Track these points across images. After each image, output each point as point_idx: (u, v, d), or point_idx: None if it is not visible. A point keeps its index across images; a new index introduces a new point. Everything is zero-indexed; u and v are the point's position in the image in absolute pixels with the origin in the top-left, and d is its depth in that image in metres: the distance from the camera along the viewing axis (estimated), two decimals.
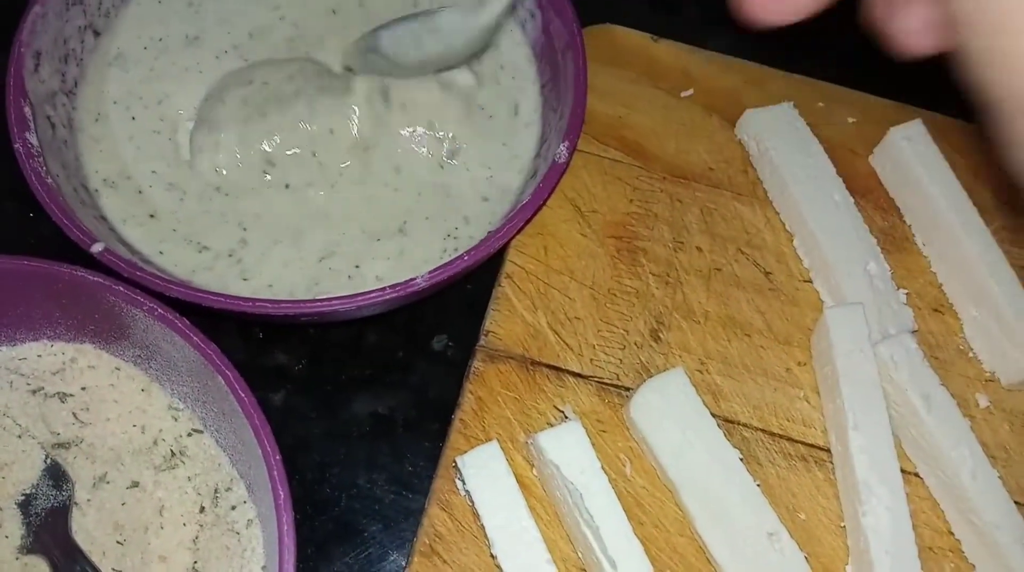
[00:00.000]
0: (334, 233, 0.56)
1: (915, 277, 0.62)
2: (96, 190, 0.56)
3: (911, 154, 0.62)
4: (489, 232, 0.53)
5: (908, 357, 0.56)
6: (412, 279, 0.50)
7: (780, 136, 0.63)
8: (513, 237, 0.55)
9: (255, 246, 0.55)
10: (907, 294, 0.60)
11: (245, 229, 0.56)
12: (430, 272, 0.51)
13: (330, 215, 0.57)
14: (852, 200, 0.62)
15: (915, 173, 0.62)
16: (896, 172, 0.64)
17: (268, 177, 0.57)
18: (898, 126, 0.63)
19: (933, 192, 0.61)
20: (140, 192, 0.56)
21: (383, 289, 0.50)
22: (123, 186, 0.56)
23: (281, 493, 0.45)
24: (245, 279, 0.54)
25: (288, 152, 0.57)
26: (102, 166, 0.56)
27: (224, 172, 0.56)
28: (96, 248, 0.49)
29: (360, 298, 0.50)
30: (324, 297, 0.50)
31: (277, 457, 0.46)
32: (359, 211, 0.57)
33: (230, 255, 0.55)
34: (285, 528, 0.44)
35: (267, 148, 0.56)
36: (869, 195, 0.64)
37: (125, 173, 0.56)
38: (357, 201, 0.58)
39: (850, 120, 0.67)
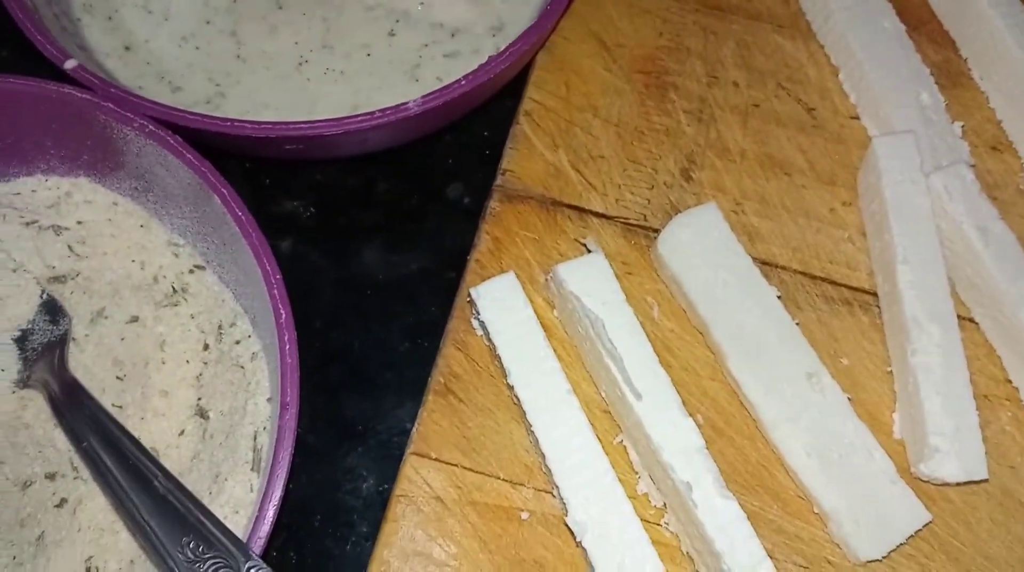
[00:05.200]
0: (336, 63, 0.53)
1: (972, 113, 0.57)
2: (79, 19, 0.53)
3: None
4: (490, 57, 0.49)
5: (964, 188, 0.52)
6: (403, 104, 0.47)
7: None
8: (516, 64, 0.50)
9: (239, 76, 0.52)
10: (963, 128, 0.56)
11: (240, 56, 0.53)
12: (423, 96, 0.47)
13: (332, 46, 0.53)
14: (903, 29, 0.56)
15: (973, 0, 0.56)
16: (953, 1, 0.58)
17: None
18: None
19: (993, 17, 0.56)
20: (110, 18, 0.53)
21: (371, 113, 0.46)
22: (99, 7, 0.53)
23: (283, 313, 0.43)
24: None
25: None
26: None
27: None
28: (69, 64, 0.46)
29: (348, 122, 0.46)
30: (309, 120, 0.47)
31: (278, 276, 0.43)
32: (365, 39, 0.54)
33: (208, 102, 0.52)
34: (287, 347, 0.42)
35: None
36: (922, 27, 0.59)
37: None
38: (362, 29, 0.54)
39: None
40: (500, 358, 0.47)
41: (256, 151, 0.52)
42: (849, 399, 0.49)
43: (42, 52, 0.47)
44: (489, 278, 0.51)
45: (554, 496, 0.47)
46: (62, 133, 0.48)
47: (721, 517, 0.44)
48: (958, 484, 0.48)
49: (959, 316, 0.51)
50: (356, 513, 0.49)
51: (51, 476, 0.45)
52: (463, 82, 0.47)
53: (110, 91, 0.46)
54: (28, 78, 0.46)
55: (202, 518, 0.40)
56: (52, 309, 0.47)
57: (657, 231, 0.53)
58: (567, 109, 0.56)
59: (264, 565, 0.39)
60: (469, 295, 0.49)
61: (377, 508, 0.49)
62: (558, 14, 0.50)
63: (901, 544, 0.47)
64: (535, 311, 0.49)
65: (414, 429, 0.48)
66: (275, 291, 0.43)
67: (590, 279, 0.48)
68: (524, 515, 0.47)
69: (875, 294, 0.53)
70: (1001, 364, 0.52)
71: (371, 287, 0.55)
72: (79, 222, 0.50)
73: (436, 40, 0.54)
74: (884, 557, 0.47)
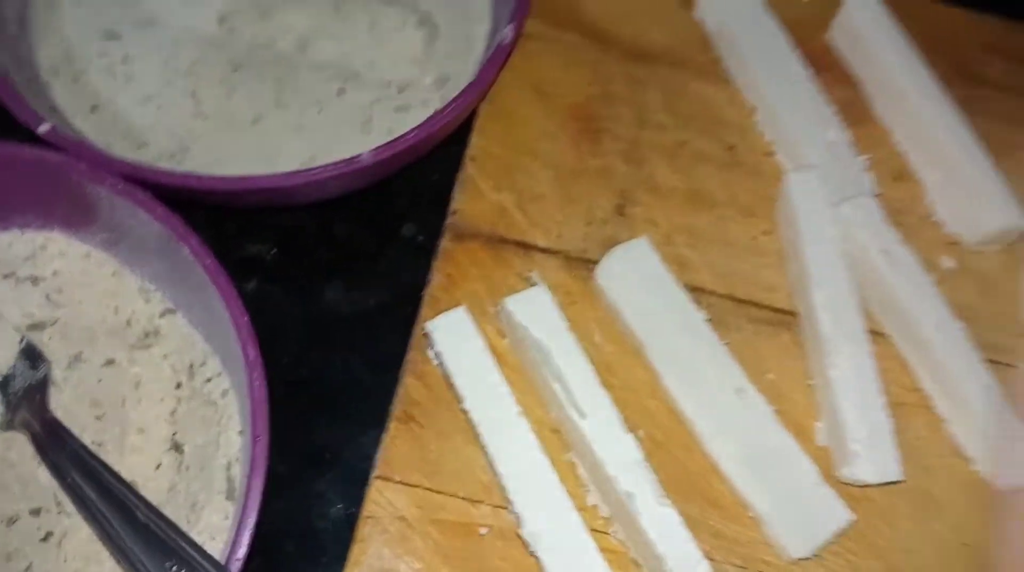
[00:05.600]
0: (291, 119, 0.57)
1: (877, 146, 0.63)
2: (47, 82, 0.56)
3: (868, 23, 0.63)
4: (436, 110, 0.53)
5: (868, 216, 0.57)
6: (356, 156, 0.51)
7: (738, 14, 0.63)
8: (459, 116, 0.55)
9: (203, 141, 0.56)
10: (868, 161, 0.61)
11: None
12: (375, 149, 0.51)
13: (287, 105, 0.58)
14: (810, 73, 0.62)
15: (873, 42, 0.62)
16: (854, 44, 0.64)
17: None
18: None
19: (891, 59, 0.62)
20: (75, 80, 0.57)
21: (327, 166, 0.50)
22: (65, 71, 0.57)
23: (251, 353, 0.46)
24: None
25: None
26: (51, 53, 0.57)
27: None
28: (43, 127, 0.49)
29: (305, 174, 0.50)
30: (270, 173, 0.50)
31: (245, 319, 0.47)
32: (317, 97, 0.58)
33: (171, 157, 0.56)
34: (256, 384, 0.45)
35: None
36: (828, 71, 0.65)
37: (69, 55, 0.57)
38: (314, 88, 0.58)
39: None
40: (455, 386, 0.51)
41: (221, 201, 0.56)
42: (775, 411, 0.53)
43: (17, 117, 0.50)
44: (443, 312, 0.55)
45: (510, 511, 0.51)
46: (37, 191, 0.51)
47: (661, 524, 0.48)
48: (877, 485, 0.53)
49: (874, 331, 0.56)
50: (326, 536, 0.52)
51: (36, 512, 0.48)
52: (410, 135, 0.52)
53: (82, 151, 0.49)
54: (4, 142, 0.49)
55: (183, 543, 0.43)
56: (31, 354, 0.50)
57: (596, 262, 0.57)
58: (509, 153, 0.60)
59: None
60: (425, 329, 0.53)
61: (346, 530, 0.52)
62: (496, 68, 0.55)
63: (829, 542, 0.52)
64: (487, 340, 0.53)
65: (378, 454, 0.52)
66: (243, 333, 0.46)
67: (535, 310, 0.52)
68: (483, 530, 0.51)
69: (795, 314, 0.58)
70: (912, 373, 0.57)
71: (334, 323, 0.58)
72: (54, 272, 0.53)
73: (385, 96, 0.58)
74: (814, 555, 0.52)
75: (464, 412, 0.51)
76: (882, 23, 0.63)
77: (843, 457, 0.53)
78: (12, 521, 0.47)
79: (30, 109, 0.51)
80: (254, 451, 0.44)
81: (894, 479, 0.52)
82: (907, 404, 0.57)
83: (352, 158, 0.51)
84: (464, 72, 0.60)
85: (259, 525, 0.43)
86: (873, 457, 0.52)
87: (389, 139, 0.56)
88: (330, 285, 0.59)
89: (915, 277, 0.56)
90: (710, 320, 0.55)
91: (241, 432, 0.49)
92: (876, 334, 0.57)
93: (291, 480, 0.53)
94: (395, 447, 0.52)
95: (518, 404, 0.50)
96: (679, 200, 0.60)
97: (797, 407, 0.56)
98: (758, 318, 0.58)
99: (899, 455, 0.52)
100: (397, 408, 0.53)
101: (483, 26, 0.61)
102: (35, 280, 0.52)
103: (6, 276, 0.52)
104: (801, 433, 0.54)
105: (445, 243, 0.58)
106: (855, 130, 0.62)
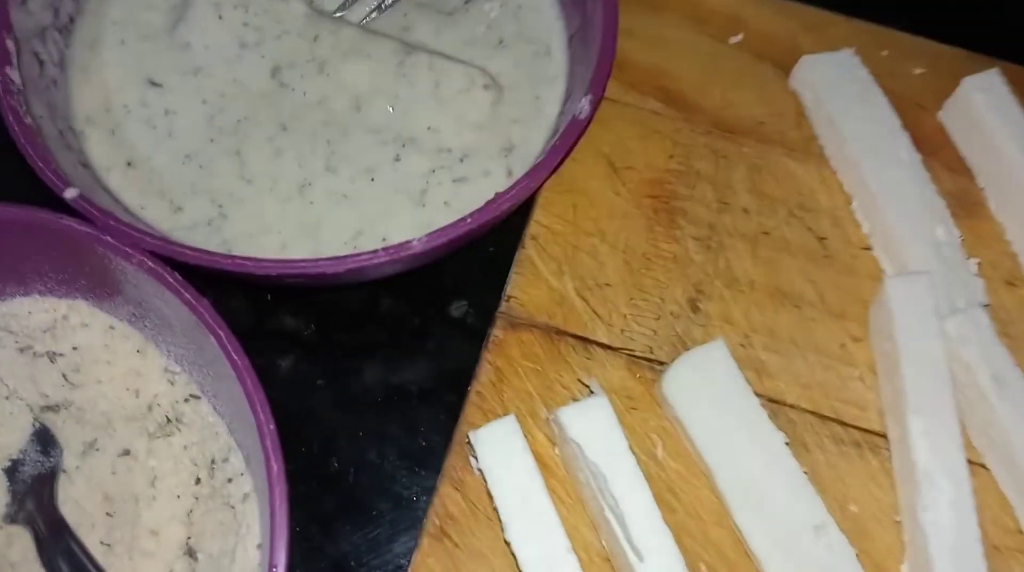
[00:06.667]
0: (341, 186, 0.52)
1: (988, 245, 0.56)
2: (81, 131, 0.52)
3: (986, 107, 0.56)
4: (497, 193, 0.48)
5: (979, 333, 0.50)
6: (408, 242, 0.46)
7: (840, 87, 0.57)
8: (524, 198, 0.49)
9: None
10: (979, 264, 0.54)
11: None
12: (428, 235, 0.46)
13: (336, 169, 0.53)
14: (919, 158, 0.56)
15: (990, 128, 0.56)
16: (969, 128, 0.57)
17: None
18: (972, 76, 0.57)
19: (1011, 149, 0.55)
20: (113, 133, 0.53)
21: (375, 251, 0.45)
22: (102, 121, 0.53)
23: (275, 466, 0.41)
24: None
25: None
26: (88, 100, 0.53)
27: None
28: (70, 193, 0.45)
29: (350, 260, 0.45)
30: (310, 257, 0.46)
31: (271, 426, 0.42)
32: (370, 163, 0.53)
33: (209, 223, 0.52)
34: (278, 503, 0.41)
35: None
36: (938, 154, 0.58)
37: (107, 103, 0.53)
38: (367, 153, 0.53)
39: (917, 71, 0.61)
40: (498, 509, 0.45)
41: (256, 282, 0.51)
42: (856, 553, 0.47)
43: (43, 179, 0.46)
44: (489, 412, 0.50)
45: None
46: (60, 259, 0.47)
47: None
48: None
49: (971, 461, 0.49)
50: None
51: None
52: (468, 219, 0.46)
53: (108, 224, 0.45)
54: (27, 207, 0.45)
55: None
56: (44, 439, 0.47)
57: (663, 364, 0.52)
58: (575, 234, 0.55)
59: None
60: (468, 437, 0.48)
61: None
62: (569, 145, 0.49)
63: None
64: (535, 449, 0.48)
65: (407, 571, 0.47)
66: (267, 442, 0.41)
67: (592, 426, 0.46)
68: None
69: (885, 436, 0.52)
70: (1013, 513, 0.51)
71: (370, 408, 0.54)
72: (74, 348, 0.49)
73: (444, 165, 0.53)
74: None
75: (507, 543, 0.45)
76: (1003, 104, 0.56)
77: None
78: None
79: (58, 171, 0.47)
80: None
81: None
82: (1004, 547, 0.50)
83: (402, 244, 0.46)
84: (532, 140, 0.54)
85: None
86: None
87: (444, 213, 0.51)
88: (369, 366, 0.54)
89: None
90: (788, 442, 0.49)
91: (259, 546, 0.44)
92: (973, 464, 0.50)
93: None
94: (426, 567, 0.47)
95: (567, 535, 0.45)
96: (760, 296, 0.54)
97: (881, 546, 0.49)
98: (843, 439, 0.51)
99: None
100: (431, 521, 0.48)
101: (557, 88, 0.56)
102: (53, 356, 0.48)
103: (23, 350, 0.48)
104: None
105: (497, 332, 0.52)
106: (964, 223, 0.56)
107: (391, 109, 0.54)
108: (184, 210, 0.52)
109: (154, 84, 0.54)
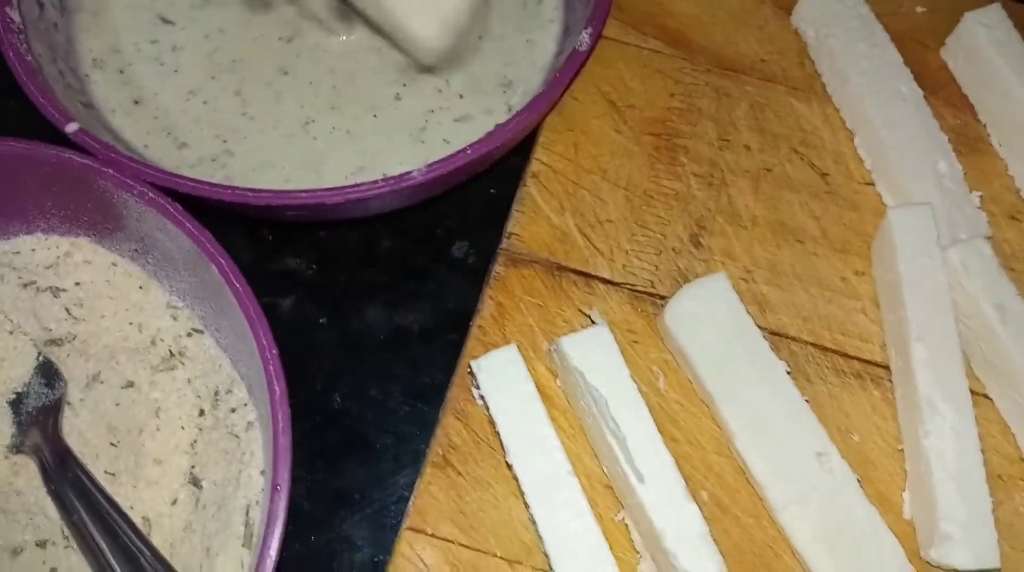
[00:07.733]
0: (343, 123, 0.52)
1: (990, 180, 0.56)
2: (87, 75, 0.52)
3: (988, 42, 0.55)
4: (497, 125, 0.48)
5: (982, 263, 0.50)
6: (408, 172, 0.46)
7: (842, 24, 0.57)
8: (525, 131, 0.49)
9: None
10: (981, 197, 0.54)
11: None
12: (428, 165, 0.46)
13: (339, 108, 0.53)
14: (921, 94, 0.55)
15: (993, 64, 0.55)
16: (971, 64, 0.57)
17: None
18: (974, 11, 0.56)
19: (1014, 84, 0.54)
20: (121, 71, 0.53)
21: (375, 182, 0.45)
22: (111, 63, 0.53)
23: (277, 389, 0.42)
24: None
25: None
26: (95, 43, 0.53)
27: None
28: (71, 127, 0.45)
29: (350, 190, 0.45)
30: (310, 189, 0.46)
31: (274, 351, 0.42)
32: (372, 102, 0.53)
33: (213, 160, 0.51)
34: (280, 425, 0.41)
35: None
36: (940, 91, 0.58)
37: (117, 45, 0.53)
38: (370, 93, 0.53)
39: (919, 9, 0.60)
40: (500, 435, 0.46)
41: (257, 215, 0.51)
42: (858, 479, 0.47)
43: (44, 115, 0.46)
44: (491, 346, 0.50)
45: None
46: (62, 195, 0.47)
47: None
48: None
49: (973, 392, 0.49)
50: None
51: (42, 544, 0.44)
52: (468, 150, 0.46)
53: (110, 156, 0.45)
54: (28, 141, 0.46)
55: None
56: (48, 372, 0.47)
57: (664, 298, 0.52)
58: (576, 172, 0.55)
59: None
60: (470, 367, 0.48)
61: None
62: (569, 78, 0.49)
63: None
64: (537, 381, 0.48)
65: (410, 502, 0.47)
66: (270, 367, 0.42)
67: (594, 354, 0.46)
68: None
69: (887, 368, 0.52)
70: (1016, 442, 0.51)
71: (373, 347, 0.54)
72: (77, 283, 0.49)
73: (444, 106, 0.53)
74: None
75: (508, 467, 0.46)
76: (1005, 40, 0.56)
77: (933, 537, 0.47)
78: (17, 552, 0.44)
79: (59, 106, 0.47)
80: (273, 503, 0.40)
81: (991, 567, 0.46)
82: (1007, 476, 0.50)
83: (403, 175, 0.46)
84: (530, 79, 0.54)
85: None
86: (969, 541, 0.46)
87: (444, 151, 0.51)
88: (371, 306, 0.55)
89: None
90: (790, 371, 0.49)
91: (263, 472, 0.45)
92: (976, 395, 0.50)
93: (318, 521, 0.49)
94: (429, 495, 0.47)
95: (569, 460, 0.45)
96: (762, 232, 0.54)
97: (884, 474, 0.49)
98: (845, 370, 0.51)
99: (996, 537, 0.46)
100: (434, 451, 0.48)
101: (552, 30, 0.56)
102: (56, 291, 0.48)
103: (26, 285, 0.48)
104: (886, 504, 0.48)
105: (498, 268, 0.52)
106: (967, 158, 0.56)
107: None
108: (189, 146, 0.52)
109: (166, 22, 0.55)
